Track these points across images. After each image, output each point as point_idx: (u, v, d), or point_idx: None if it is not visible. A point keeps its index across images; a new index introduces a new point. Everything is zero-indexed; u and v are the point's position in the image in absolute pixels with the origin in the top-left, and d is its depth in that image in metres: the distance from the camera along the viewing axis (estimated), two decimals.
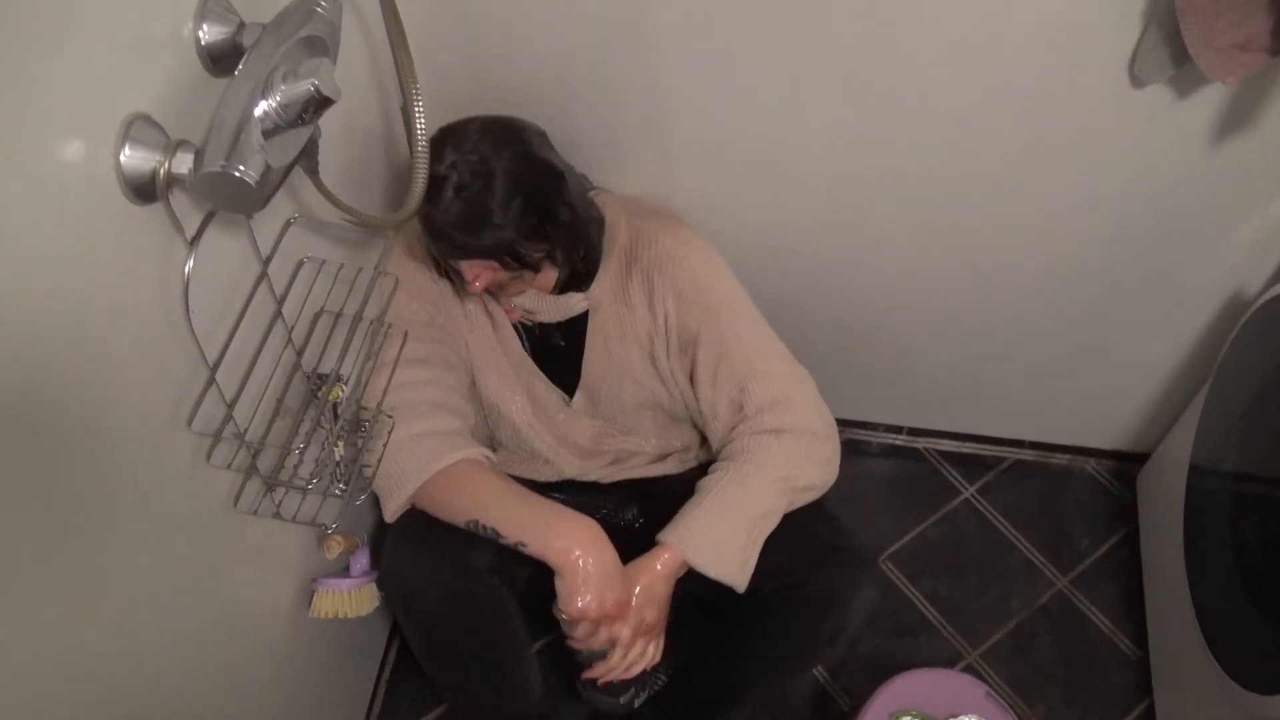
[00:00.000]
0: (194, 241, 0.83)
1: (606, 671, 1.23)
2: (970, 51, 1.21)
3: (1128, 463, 1.90)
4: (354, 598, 1.26)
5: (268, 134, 0.77)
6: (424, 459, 1.20)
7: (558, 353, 1.34)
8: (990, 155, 1.33)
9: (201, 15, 0.80)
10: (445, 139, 1.12)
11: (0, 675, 0.73)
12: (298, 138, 0.82)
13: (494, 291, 1.22)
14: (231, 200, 0.75)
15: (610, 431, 1.41)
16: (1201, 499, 1.48)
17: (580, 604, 1.15)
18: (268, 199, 0.78)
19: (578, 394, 1.36)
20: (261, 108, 0.76)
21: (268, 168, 0.75)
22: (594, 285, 1.28)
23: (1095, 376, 1.73)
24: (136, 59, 0.75)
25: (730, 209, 1.47)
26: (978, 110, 1.28)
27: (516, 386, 1.35)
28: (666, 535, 1.23)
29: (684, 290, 1.28)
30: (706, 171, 1.43)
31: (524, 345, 1.33)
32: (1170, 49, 1.13)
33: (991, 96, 1.26)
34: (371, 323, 1.10)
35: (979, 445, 1.95)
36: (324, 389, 1.07)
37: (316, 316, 1.13)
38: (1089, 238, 1.44)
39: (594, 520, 1.20)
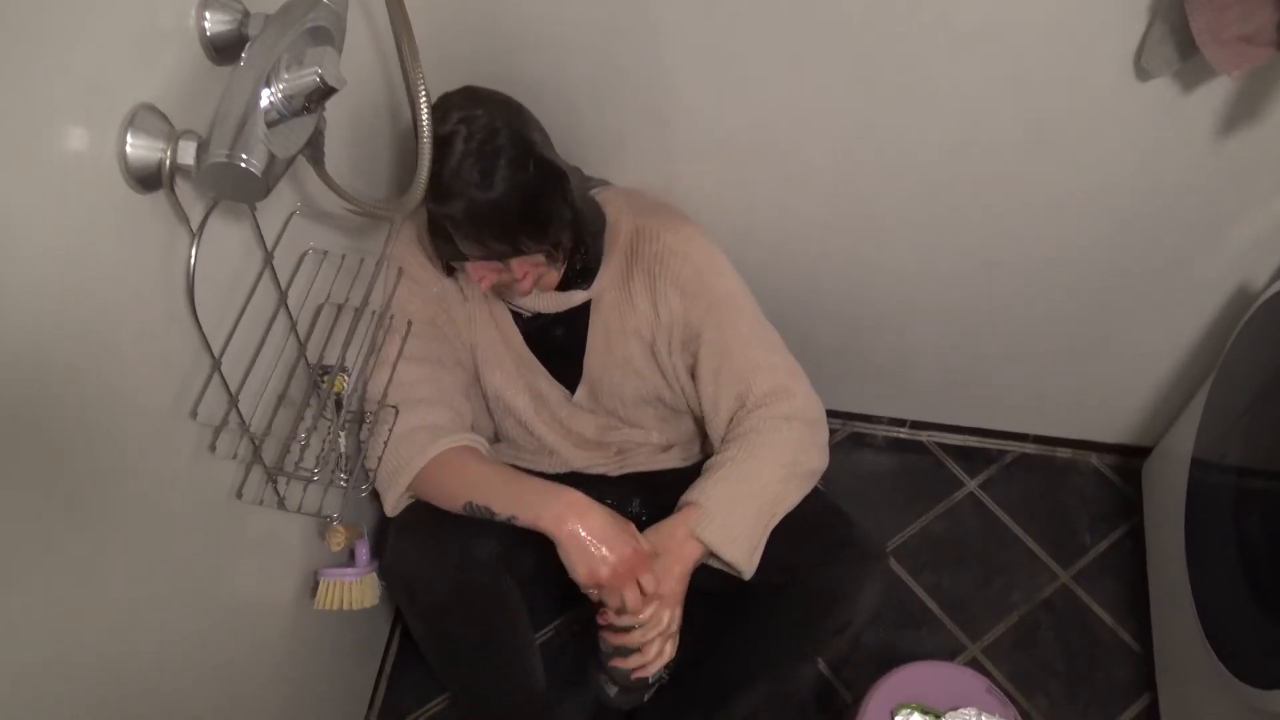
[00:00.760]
0: (198, 232, 0.83)
1: (640, 643, 1.21)
2: (975, 44, 1.21)
3: (1131, 457, 1.90)
4: (359, 588, 1.27)
5: (272, 123, 0.77)
6: (416, 451, 1.21)
7: (559, 347, 1.34)
8: (995, 148, 1.33)
9: (205, 5, 0.80)
10: (451, 138, 1.11)
11: (1, 670, 0.73)
12: (302, 127, 0.82)
13: (501, 292, 1.23)
14: (236, 190, 0.76)
15: (613, 424, 1.42)
16: (1204, 494, 1.48)
17: (586, 569, 1.15)
18: (271, 188, 0.78)
19: (579, 388, 1.37)
20: (266, 97, 0.76)
21: (272, 157, 0.75)
22: (596, 281, 1.29)
23: (1099, 370, 1.72)
24: (141, 49, 0.75)
25: (734, 202, 1.47)
26: (983, 103, 1.27)
27: (519, 382, 1.36)
28: (688, 495, 1.25)
29: (687, 286, 1.28)
30: (710, 166, 1.43)
31: (526, 341, 1.33)
32: (1176, 42, 1.13)
33: (996, 89, 1.26)
34: (375, 314, 1.10)
35: (982, 439, 1.94)
36: (327, 380, 1.08)
37: (320, 307, 1.13)
38: (1093, 231, 1.44)
39: (601, 507, 1.20)
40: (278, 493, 1.09)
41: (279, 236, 0.99)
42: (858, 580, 1.27)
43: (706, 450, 1.45)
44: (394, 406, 1.20)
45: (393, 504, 1.25)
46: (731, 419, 1.31)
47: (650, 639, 1.21)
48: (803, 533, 1.27)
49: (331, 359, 1.09)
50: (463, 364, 1.32)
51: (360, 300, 1.06)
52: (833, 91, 1.29)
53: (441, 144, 1.08)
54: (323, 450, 1.11)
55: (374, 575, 1.30)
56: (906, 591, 1.76)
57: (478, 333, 1.32)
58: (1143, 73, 1.19)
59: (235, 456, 0.99)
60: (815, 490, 1.33)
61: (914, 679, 1.34)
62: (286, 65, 0.77)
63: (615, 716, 1.59)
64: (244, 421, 0.97)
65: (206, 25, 0.81)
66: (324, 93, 0.78)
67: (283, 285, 1.01)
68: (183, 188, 0.81)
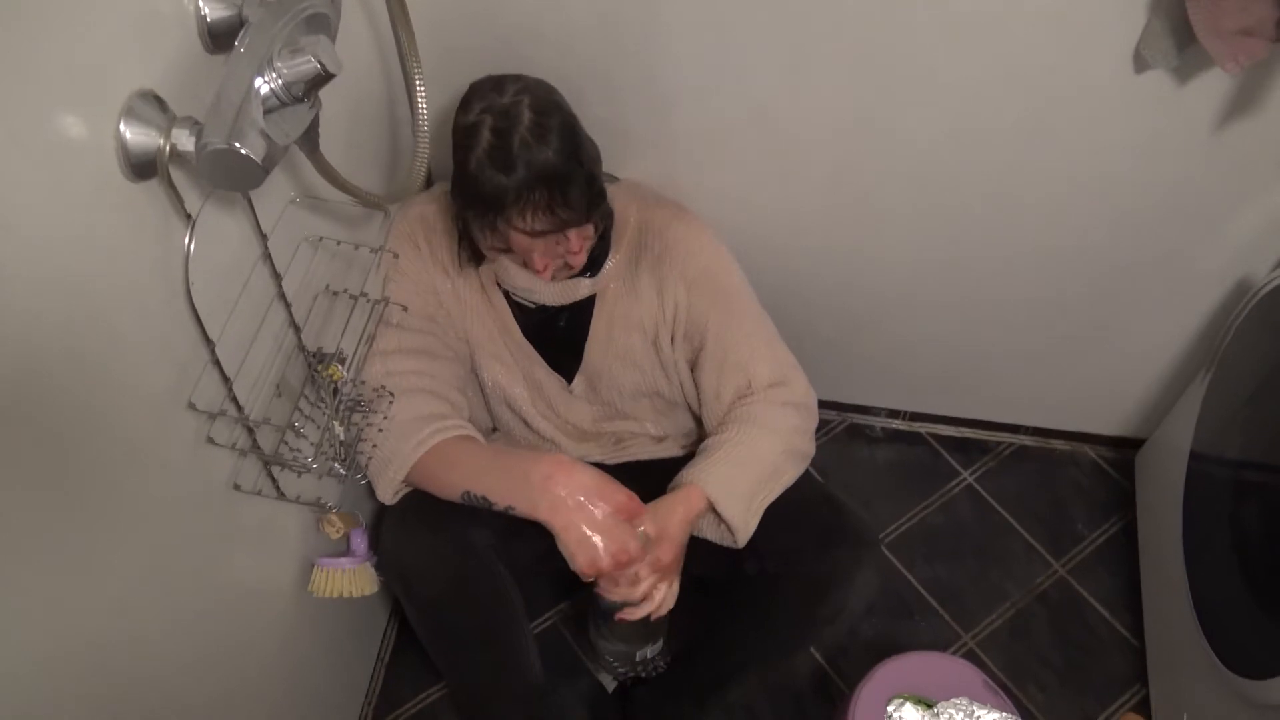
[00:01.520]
0: (195, 219, 0.83)
1: (641, 598, 1.22)
2: (975, 35, 1.21)
3: (1128, 449, 1.90)
4: (356, 577, 1.27)
5: (269, 111, 0.77)
6: (410, 440, 1.21)
7: (559, 338, 1.34)
8: (994, 139, 1.33)
9: None
10: (514, 109, 1.10)
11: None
12: (299, 115, 0.81)
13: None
14: (233, 177, 0.75)
15: (609, 415, 1.42)
16: (1200, 486, 1.48)
17: (583, 561, 1.16)
18: (267, 175, 0.78)
19: (578, 379, 1.37)
20: (263, 84, 0.76)
21: (269, 144, 0.75)
22: (602, 272, 1.29)
23: (1096, 362, 1.73)
24: (138, 35, 0.75)
25: (733, 194, 1.46)
26: (982, 95, 1.27)
27: (516, 372, 1.36)
28: (687, 475, 1.25)
29: (694, 279, 1.29)
30: (709, 157, 1.43)
31: (524, 331, 1.33)
32: (1175, 34, 1.13)
33: (996, 81, 1.25)
34: (372, 302, 1.10)
35: (979, 430, 1.95)
36: (324, 368, 1.08)
37: (316, 295, 1.13)
38: (1092, 222, 1.44)
39: (586, 465, 1.19)
40: (274, 481, 1.09)
41: (276, 225, 0.99)
42: (851, 568, 1.27)
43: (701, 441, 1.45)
44: (391, 394, 1.20)
45: (386, 494, 1.25)
46: (730, 406, 1.32)
47: (654, 585, 1.22)
48: (797, 520, 1.28)
49: (328, 347, 1.09)
50: (458, 356, 1.32)
51: (357, 288, 1.06)
52: (832, 83, 1.29)
53: (503, 115, 1.08)
54: (319, 439, 1.11)
55: (371, 564, 1.30)
56: (902, 582, 1.76)
57: (474, 324, 1.32)
58: (1142, 65, 1.19)
59: (232, 445, 0.99)
60: (810, 478, 1.34)
61: (908, 669, 1.35)
62: (283, 52, 0.77)
63: (611, 706, 1.59)
64: (241, 410, 0.97)
65: (204, 11, 0.81)
66: (321, 79, 0.78)
67: (279, 273, 1.01)
68: (179, 175, 0.81)
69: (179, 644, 1.00)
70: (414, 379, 1.25)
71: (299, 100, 0.79)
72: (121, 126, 0.73)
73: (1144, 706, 1.60)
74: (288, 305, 1.04)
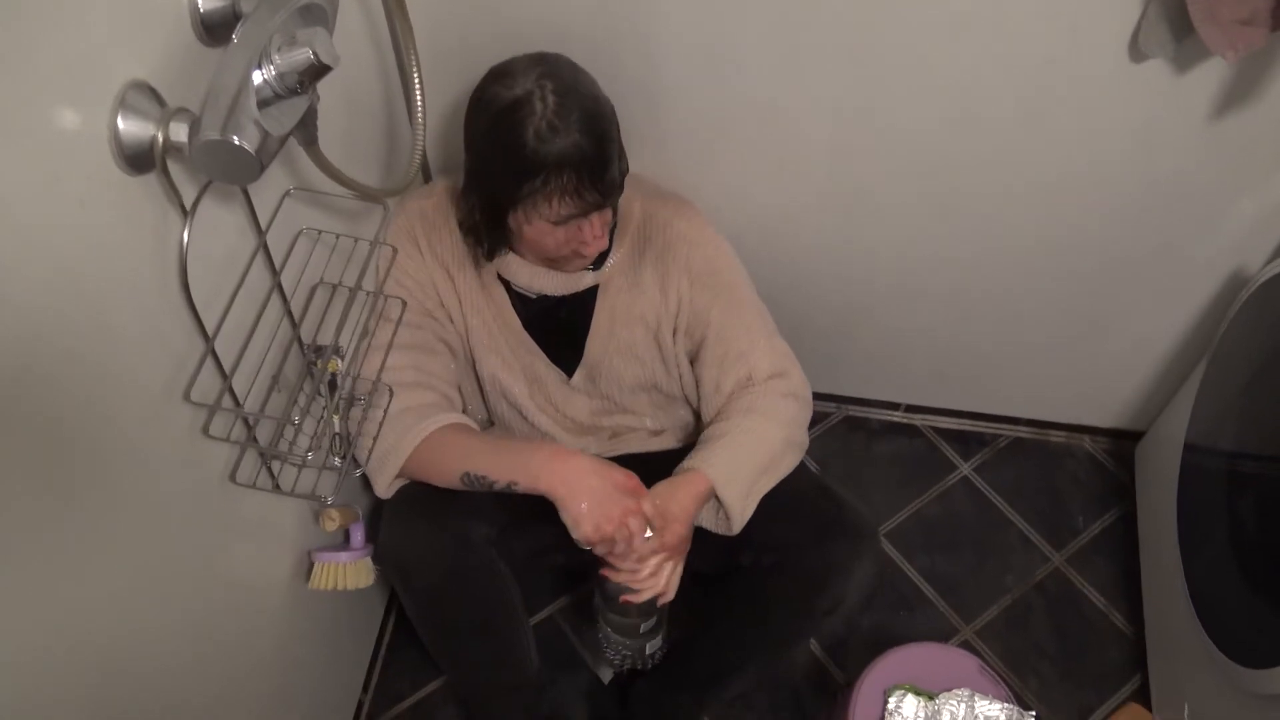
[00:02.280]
0: (191, 212, 0.83)
1: (646, 575, 1.22)
2: (972, 24, 1.20)
3: (1125, 440, 1.90)
4: (353, 570, 1.27)
5: (265, 103, 0.76)
6: (406, 432, 1.22)
7: (559, 330, 1.34)
8: (990, 129, 1.33)
9: None
10: (538, 92, 1.09)
11: None
12: (295, 107, 0.81)
13: (560, 264, 1.24)
14: (228, 169, 0.75)
15: (607, 408, 1.42)
16: (1197, 476, 1.48)
17: (587, 529, 1.15)
18: (264, 168, 0.77)
19: (578, 372, 1.37)
20: (258, 76, 0.75)
21: (265, 136, 0.75)
22: (605, 264, 1.29)
23: (1093, 353, 1.73)
24: (132, 26, 0.75)
25: (730, 186, 1.46)
26: (978, 84, 1.27)
27: (515, 366, 1.36)
28: (690, 461, 1.26)
29: (698, 273, 1.29)
30: (705, 149, 1.42)
31: (524, 324, 1.33)
32: (1173, 24, 1.12)
33: (992, 70, 1.25)
34: (370, 295, 1.10)
35: (976, 422, 1.95)
36: (321, 361, 1.07)
37: (314, 289, 1.13)
38: (1088, 213, 1.44)
39: (579, 451, 1.20)
40: (272, 475, 1.09)
41: (272, 218, 0.99)
42: (849, 560, 1.27)
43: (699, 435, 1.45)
44: (389, 388, 1.20)
45: (383, 487, 1.25)
46: (730, 397, 1.33)
47: (658, 565, 1.22)
48: (795, 512, 1.28)
49: (325, 339, 1.09)
50: (454, 351, 1.32)
51: (354, 282, 1.06)
52: (827, 74, 1.28)
53: (527, 99, 1.07)
54: (317, 432, 1.11)
55: (368, 557, 1.30)
56: (900, 574, 1.76)
57: (473, 317, 1.31)
58: (1139, 54, 1.19)
59: (229, 438, 0.98)
60: (807, 470, 1.34)
61: (907, 661, 1.35)
62: (279, 44, 0.76)
63: (609, 700, 1.60)
64: (238, 403, 0.97)
65: (200, 2, 0.80)
66: (317, 71, 0.78)
67: (277, 266, 1.01)
68: (177, 169, 0.80)
69: (175, 637, 1.00)
70: (411, 373, 1.25)
71: (295, 92, 0.79)
72: (116, 118, 0.73)
73: (1142, 696, 1.61)
74: (285, 299, 1.04)
